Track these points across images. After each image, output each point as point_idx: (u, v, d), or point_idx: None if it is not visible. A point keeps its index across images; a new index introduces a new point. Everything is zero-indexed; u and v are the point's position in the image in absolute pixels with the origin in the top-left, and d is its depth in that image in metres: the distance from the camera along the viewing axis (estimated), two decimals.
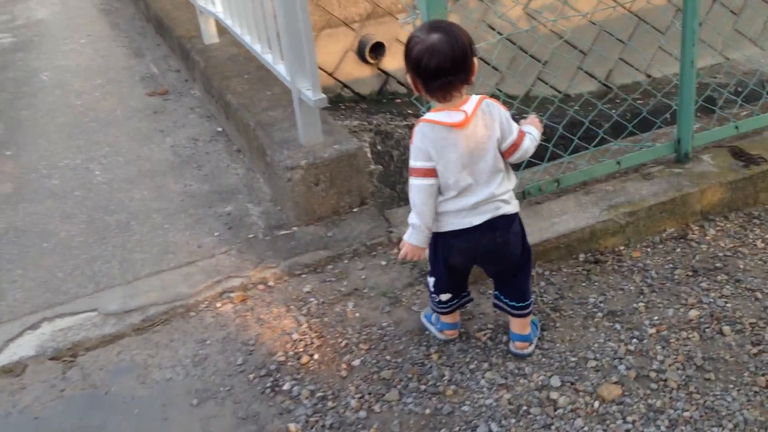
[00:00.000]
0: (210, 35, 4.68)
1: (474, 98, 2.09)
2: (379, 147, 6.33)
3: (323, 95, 3.03)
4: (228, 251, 3.08)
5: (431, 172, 2.11)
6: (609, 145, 3.21)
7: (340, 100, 6.82)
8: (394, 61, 6.00)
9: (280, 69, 3.32)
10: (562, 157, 3.14)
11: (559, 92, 7.49)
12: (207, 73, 4.32)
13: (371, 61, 6.60)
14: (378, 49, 6.22)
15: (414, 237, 2.19)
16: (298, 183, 3.12)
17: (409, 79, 2.08)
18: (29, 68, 5.63)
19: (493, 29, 7.06)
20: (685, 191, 2.91)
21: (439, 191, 2.16)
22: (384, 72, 6.82)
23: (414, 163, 2.13)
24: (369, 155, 6.58)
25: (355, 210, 3.25)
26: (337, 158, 3.15)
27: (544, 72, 7.01)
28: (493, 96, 2.19)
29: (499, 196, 2.16)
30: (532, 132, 2.23)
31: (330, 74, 6.90)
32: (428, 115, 2.10)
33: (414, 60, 2.00)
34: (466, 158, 2.09)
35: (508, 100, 2.89)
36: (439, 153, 2.08)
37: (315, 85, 3.05)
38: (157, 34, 5.92)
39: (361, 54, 6.92)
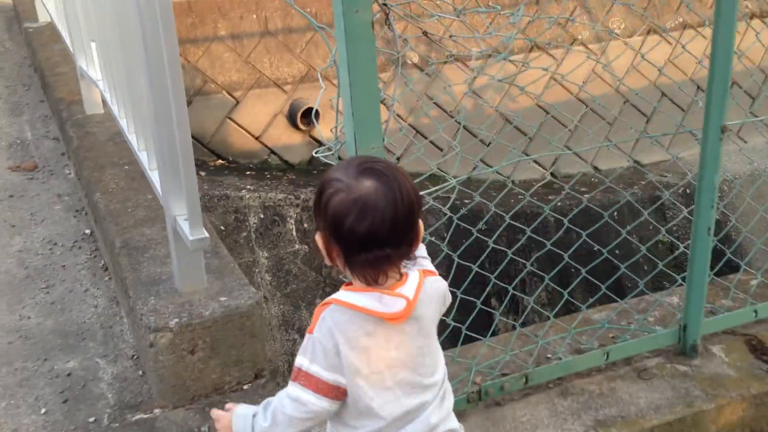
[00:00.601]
0: (93, 104, 3.76)
1: (413, 276, 1.30)
2: (305, 225, 5.56)
3: (204, 234, 2.15)
4: None
5: (333, 391, 1.28)
6: (594, 325, 2.42)
7: (266, 168, 6.05)
8: (327, 130, 5.37)
9: (154, 178, 2.43)
10: (526, 334, 2.35)
11: (505, 177, 6.87)
12: (79, 154, 3.39)
13: (303, 127, 6.04)
14: (311, 115, 5.51)
15: None
16: (165, 351, 2.20)
17: (319, 241, 1.29)
18: None
19: (438, 105, 6.40)
20: (698, 407, 2.12)
21: (343, 418, 1.33)
22: (316, 140, 6.10)
23: (307, 364, 1.29)
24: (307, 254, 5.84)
25: (245, 387, 2.35)
26: (224, 318, 2.25)
27: (488, 155, 6.37)
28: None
29: (449, 420, 1.38)
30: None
31: (256, 138, 6.12)
32: (345, 295, 1.28)
33: (333, 217, 1.24)
34: (404, 368, 1.29)
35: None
36: (359, 360, 1.26)
37: (194, 215, 2.16)
38: (41, 89, 4.94)
39: (292, 119, 6.27)
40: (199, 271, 2.32)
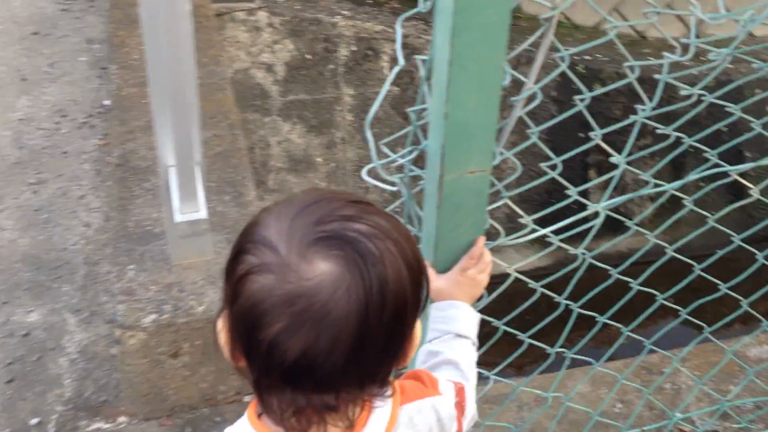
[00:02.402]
0: None
1: (381, 415, 0.72)
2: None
3: (201, 214, 1.37)
4: None
5: None
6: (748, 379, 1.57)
7: None
8: None
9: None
10: None
11: (637, 32, 5.61)
12: None
13: None
14: None
15: None
16: (135, 354, 1.51)
17: (220, 325, 0.67)
18: None
19: None
20: None
21: None
22: None
23: None
24: None
25: (246, 399, 1.66)
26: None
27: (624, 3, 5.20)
28: None
29: None
30: (461, 359, 0.90)
31: None
32: None
33: (245, 311, 0.63)
34: None
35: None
36: None
37: (187, 180, 1.37)
38: None
39: None
40: (201, 242, 1.56)
